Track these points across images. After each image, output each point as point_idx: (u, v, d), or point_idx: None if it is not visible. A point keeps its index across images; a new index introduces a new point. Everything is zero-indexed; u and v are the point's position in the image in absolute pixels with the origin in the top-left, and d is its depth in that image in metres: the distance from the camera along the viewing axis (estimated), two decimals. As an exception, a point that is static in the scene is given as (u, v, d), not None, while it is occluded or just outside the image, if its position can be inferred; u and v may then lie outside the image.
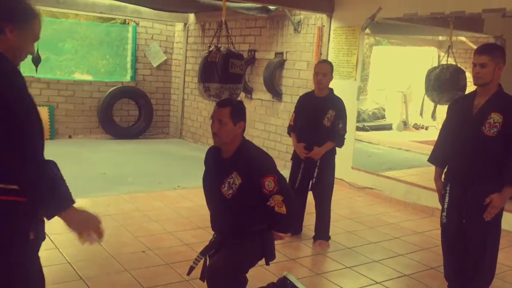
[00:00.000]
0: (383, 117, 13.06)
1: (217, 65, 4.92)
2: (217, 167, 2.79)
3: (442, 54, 10.09)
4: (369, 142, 10.45)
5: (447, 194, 3.27)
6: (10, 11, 1.80)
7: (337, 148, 4.49)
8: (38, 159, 1.77)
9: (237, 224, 2.74)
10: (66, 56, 9.52)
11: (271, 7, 6.97)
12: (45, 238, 2.01)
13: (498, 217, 3.13)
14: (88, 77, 9.51)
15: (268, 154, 2.85)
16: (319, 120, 4.26)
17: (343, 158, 6.32)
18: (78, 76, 9.55)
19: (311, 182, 4.40)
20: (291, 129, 4.53)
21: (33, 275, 1.96)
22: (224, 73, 4.91)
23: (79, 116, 9.18)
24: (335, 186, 6.27)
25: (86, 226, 1.90)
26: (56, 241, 3.99)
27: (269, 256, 2.83)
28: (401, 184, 5.94)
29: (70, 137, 9.05)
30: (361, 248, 4.36)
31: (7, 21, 1.78)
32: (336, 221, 5.08)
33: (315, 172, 4.32)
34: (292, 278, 3.15)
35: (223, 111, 2.66)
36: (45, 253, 3.74)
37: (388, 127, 12.53)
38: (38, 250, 1.98)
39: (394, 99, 12.98)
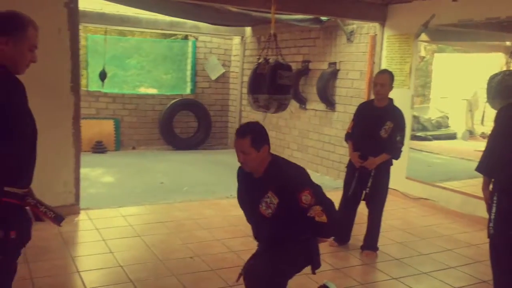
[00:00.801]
0: (447, 126, 12.62)
1: (266, 76, 5.02)
2: (251, 187, 2.81)
3: (509, 60, 9.69)
4: (430, 152, 10.15)
5: (494, 205, 3.16)
6: (1, 25, 1.97)
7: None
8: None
9: (280, 237, 2.77)
10: (132, 72, 10.00)
11: (323, 18, 7.00)
12: (30, 238, 2.14)
13: None
14: (153, 91, 9.95)
15: (299, 166, 2.84)
16: (376, 131, 4.22)
17: (396, 168, 6.19)
18: (143, 90, 10.02)
19: (364, 191, 4.38)
20: (348, 137, 4.52)
21: (8, 271, 2.10)
22: (272, 84, 5.00)
23: (142, 128, 9.61)
24: (388, 196, 6.19)
25: None
26: (112, 245, 4.24)
27: (315, 264, 2.85)
28: (457, 194, 5.74)
29: (133, 148, 9.49)
30: (410, 260, 4.27)
31: (1, 34, 1.94)
32: (387, 231, 5.01)
33: (369, 182, 4.28)
34: (332, 286, 3.16)
35: (243, 143, 2.65)
36: (101, 256, 4.02)
37: (452, 136, 12.08)
38: (20, 249, 2.11)
39: (459, 108, 12.52)
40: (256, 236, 2.96)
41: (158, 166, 7.91)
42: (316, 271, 2.88)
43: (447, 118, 12.76)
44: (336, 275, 3.88)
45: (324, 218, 2.63)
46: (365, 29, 6.83)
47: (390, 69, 6.38)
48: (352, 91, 6.99)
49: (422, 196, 6.07)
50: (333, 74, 7.27)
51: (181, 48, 10.20)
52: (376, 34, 6.63)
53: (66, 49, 4.75)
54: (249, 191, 2.83)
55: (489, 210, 3.23)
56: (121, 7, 8.02)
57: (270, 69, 5.04)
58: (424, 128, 12.31)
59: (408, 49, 6.18)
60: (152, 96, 9.75)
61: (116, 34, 9.86)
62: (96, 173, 7.05)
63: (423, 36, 7.18)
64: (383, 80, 4.26)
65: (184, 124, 9.93)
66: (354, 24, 6.99)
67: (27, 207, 2.07)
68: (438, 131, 12.36)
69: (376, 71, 6.58)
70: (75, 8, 4.78)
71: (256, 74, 5.13)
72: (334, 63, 7.30)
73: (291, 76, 5.16)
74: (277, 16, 6.66)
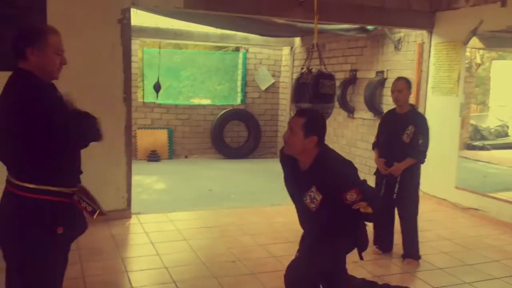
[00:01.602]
0: (506, 135, 12.13)
1: (308, 86, 5.11)
2: (296, 178, 2.81)
3: None
4: (488, 162, 9.81)
5: None
6: (26, 37, 2.16)
7: (439, 167, 4.41)
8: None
9: (325, 230, 2.78)
10: (186, 83, 10.38)
11: (369, 27, 7.01)
12: (81, 233, 2.35)
13: None
14: (207, 101, 10.27)
15: (347, 161, 2.78)
16: (399, 137, 4.26)
17: (444, 177, 6.13)
18: (197, 100, 10.36)
19: (393, 197, 4.37)
20: (375, 145, 4.59)
21: (56, 265, 2.28)
22: (314, 93, 5.08)
23: (194, 138, 9.92)
24: (437, 206, 6.10)
25: None
26: (159, 248, 4.46)
27: (361, 246, 2.86)
28: (510, 205, 5.56)
29: (186, 157, 9.81)
30: (453, 269, 4.20)
31: (26, 46, 2.13)
32: (432, 241, 4.95)
33: (396, 188, 4.28)
34: None
35: (297, 121, 2.67)
36: (148, 258, 4.24)
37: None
38: (70, 243, 2.32)
39: (519, 116, 12.02)
40: (302, 224, 3.00)
41: (208, 174, 8.14)
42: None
43: (507, 126, 12.27)
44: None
45: (369, 210, 2.64)
46: (413, 37, 6.77)
47: (437, 77, 6.35)
48: (400, 99, 6.93)
49: (472, 206, 5.91)
50: (381, 82, 7.24)
51: (232, 59, 10.48)
52: (423, 42, 6.56)
53: (119, 63, 5.06)
54: (294, 181, 2.84)
55: None
56: (175, 21, 8.37)
57: (312, 78, 5.12)
58: (483, 137, 11.88)
59: (456, 57, 6.08)
60: (204, 106, 10.06)
61: (171, 48, 10.28)
62: (149, 180, 7.37)
63: (477, 43, 7.04)
64: (399, 87, 4.32)
65: (234, 134, 10.16)
66: (401, 32, 6.95)
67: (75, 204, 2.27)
68: (497, 140, 11.91)
69: (424, 79, 6.54)
70: (127, 24, 5.09)
71: (299, 83, 5.23)
72: (382, 72, 7.27)
73: (333, 85, 5.21)
74: (322, 26, 6.75)
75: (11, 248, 2.19)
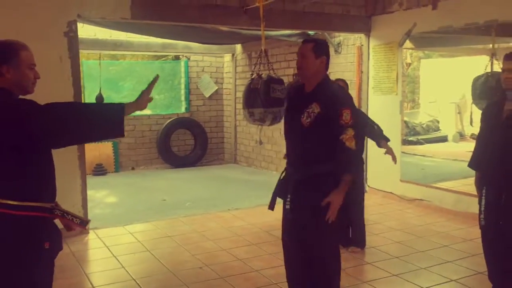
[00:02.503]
0: (438, 129, 12.90)
1: (259, 91, 5.24)
2: (299, 100, 3.01)
3: (495, 62, 10.00)
4: (423, 155, 10.39)
5: (483, 197, 3.38)
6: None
7: (384, 163, 4.67)
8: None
9: (310, 155, 2.90)
10: (126, 93, 10.22)
11: (310, 32, 7.27)
12: (62, 248, 2.31)
13: None
14: (147, 112, 10.15)
15: (348, 93, 3.09)
16: None
17: (391, 172, 6.46)
18: (138, 111, 10.20)
19: None
20: None
21: (45, 281, 2.26)
22: (266, 98, 5.20)
23: (140, 149, 9.80)
24: (384, 199, 6.41)
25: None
26: (123, 261, 4.42)
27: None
28: (451, 194, 5.97)
29: (133, 168, 9.66)
30: (408, 257, 4.47)
31: (0, 64, 2.11)
32: (385, 232, 5.22)
33: None
34: None
35: (306, 46, 2.90)
36: (114, 271, 4.19)
37: (443, 139, 12.35)
38: (54, 259, 2.28)
39: (448, 111, 12.81)
40: (289, 155, 3.11)
41: (159, 185, 8.09)
42: None
43: (437, 121, 13.04)
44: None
45: (352, 144, 2.79)
46: (352, 40, 7.11)
47: (377, 77, 6.69)
48: (343, 100, 7.24)
49: (417, 197, 6.29)
50: (324, 85, 7.51)
51: (172, 68, 10.45)
52: (362, 45, 6.91)
53: (68, 76, 4.98)
54: (296, 104, 3.01)
55: (479, 203, 3.44)
56: (114, 32, 8.26)
57: (263, 83, 5.25)
58: (416, 133, 12.55)
59: (394, 57, 6.46)
60: (148, 116, 9.96)
61: (109, 59, 10.10)
62: (99, 195, 7.22)
63: (408, 44, 7.47)
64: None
65: (181, 142, 10.13)
66: (341, 36, 7.27)
67: (56, 219, 2.25)
68: (429, 134, 12.63)
69: (364, 80, 6.87)
70: (75, 36, 5.01)
71: (250, 89, 5.31)
72: (324, 75, 7.55)
73: (283, 89, 5.36)
74: (266, 32, 6.93)
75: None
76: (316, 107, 2.84)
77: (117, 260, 4.45)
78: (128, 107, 2.27)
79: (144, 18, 5.43)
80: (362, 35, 6.87)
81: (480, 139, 3.55)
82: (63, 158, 4.90)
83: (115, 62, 10.44)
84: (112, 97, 9.81)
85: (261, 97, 5.23)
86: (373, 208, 6.12)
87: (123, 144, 9.61)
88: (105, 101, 9.09)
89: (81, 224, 2.29)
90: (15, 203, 2.09)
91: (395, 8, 6.35)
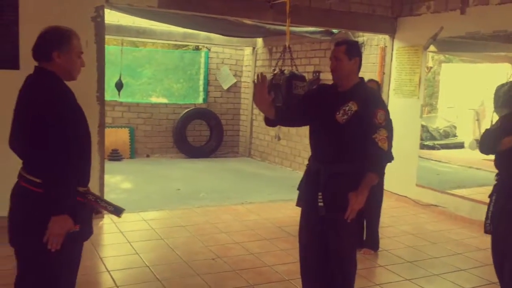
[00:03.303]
0: (454, 135, 12.79)
1: (281, 86, 5.24)
2: (333, 98, 2.98)
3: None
4: (439, 161, 10.32)
5: (492, 203, 3.37)
6: (53, 41, 2.25)
7: (400, 166, 4.63)
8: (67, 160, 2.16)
9: (343, 152, 2.92)
10: (144, 81, 10.27)
11: (334, 30, 7.23)
12: (93, 232, 2.39)
13: None
14: (164, 100, 10.20)
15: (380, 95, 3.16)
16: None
17: (406, 176, 6.43)
18: (154, 99, 10.27)
19: None
20: None
21: (73, 262, 2.36)
22: (287, 94, 5.22)
23: (156, 137, 9.85)
24: (398, 202, 6.39)
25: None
26: (137, 247, 4.46)
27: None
28: (467, 201, 5.92)
29: (148, 156, 9.72)
30: (422, 262, 4.46)
31: (53, 49, 2.23)
32: (398, 236, 5.21)
33: None
34: None
35: (339, 49, 2.92)
36: (128, 257, 4.23)
37: (459, 146, 12.24)
38: (84, 241, 2.36)
39: (466, 117, 12.69)
40: (316, 154, 3.07)
41: (173, 173, 8.13)
42: None
43: (455, 127, 12.93)
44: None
45: (385, 146, 2.82)
46: (375, 40, 7.06)
47: (399, 80, 6.65)
48: (363, 100, 7.21)
49: (432, 203, 6.25)
50: (344, 84, 7.48)
51: (192, 58, 10.48)
52: (386, 46, 6.86)
53: (93, 61, 5.02)
54: (328, 102, 2.97)
55: (488, 208, 3.43)
56: (137, 19, 8.29)
57: (285, 79, 5.26)
58: (432, 137, 12.46)
59: (417, 61, 6.40)
60: (166, 105, 10.00)
61: (129, 45, 10.14)
62: (115, 180, 7.28)
63: (431, 47, 7.42)
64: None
65: (197, 133, 10.16)
66: (364, 36, 7.22)
67: (88, 203, 2.31)
68: (446, 140, 12.53)
69: (386, 81, 6.82)
70: (101, 22, 5.05)
71: (272, 84, 5.35)
72: (345, 74, 7.51)
73: (305, 86, 5.37)
74: (290, 28, 6.91)
75: (27, 245, 2.20)
76: (354, 105, 2.86)
77: (131, 246, 4.50)
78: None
79: (170, 7, 5.44)
80: (387, 36, 6.81)
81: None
82: (83, 142, 4.99)
83: (136, 49, 10.49)
84: (130, 83, 9.87)
85: (282, 93, 5.29)
86: (387, 211, 6.07)
87: (139, 131, 9.67)
88: (124, 87, 9.16)
89: (115, 211, 2.36)
90: (39, 181, 2.16)
91: (422, 10, 6.28)
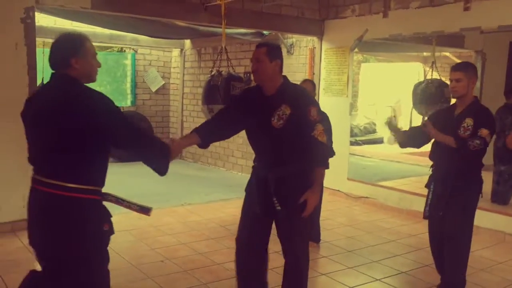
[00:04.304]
0: (374, 131, 13.53)
1: (219, 87, 5.32)
2: (262, 103, 2.97)
3: (427, 69, 10.61)
4: (362, 156, 10.87)
5: (431, 191, 3.67)
6: (69, 48, 2.31)
7: (332, 161, 4.86)
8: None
9: (286, 155, 2.95)
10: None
11: (265, 32, 7.42)
12: (114, 232, 2.45)
13: (466, 212, 3.50)
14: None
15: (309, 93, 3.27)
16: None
17: (338, 170, 6.74)
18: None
19: None
20: None
21: (106, 261, 2.46)
22: (226, 95, 5.30)
23: (83, 142, 9.51)
24: (332, 196, 6.68)
25: None
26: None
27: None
28: (395, 192, 6.34)
29: (74, 162, 9.36)
30: (361, 251, 4.73)
31: (71, 56, 2.29)
32: (336, 228, 5.47)
33: None
34: None
35: (260, 50, 2.93)
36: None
37: (379, 141, 12.97)
38: (108, 241, 2.43)
39: (384, 114, 13.47)
40: (260, 159, 3.09)
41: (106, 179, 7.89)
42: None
43: (374, 124, 13.68)
44: (298, 268, 4.24)
45: (324, 139, 2.92)
46: (304, 42, 7.34)
47: (328, 80, 6.95)
48: (294, 100, 7.45)
49: (363, 195, 6.62)
50: (275, 84, 7.69)
51: (116, 60, 10.24)
52: (314, 47, 7.15)
53: (23, 65, 4.80)
54: (259, 108, 2.97)
55: (427, 196, 3.72)
56: (58, 19, 7.98)
57: (223, 81, 5.35)
58: (354, 134, 13.09)
59: (345, 61, 6.75)
60: (92, 109, 9.68)
61: (47, 47, 9.70)
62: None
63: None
64: (305, 87, 4.65)
65: (126, 136, 9.93)
66: (294, 38, 7.48)
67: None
68: (367, 136, 13.24)
69: (316, 81, 7.11)
70: (32, 23, 4.84)
71: (210, 85, 5.42)
72: (276, 74, 7.72)
73: (243, 87, 5.49)
74: (220, 30, 6.99)
75: (59, 249, 2.25)
76: (287, 108, 2.88)
77: (75, 254, 4.36)
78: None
79: (103, 9, 5.32)
80: (315, 38, 7.11)
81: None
82: (15, 149, 4.76)
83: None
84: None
85: (221, 94, 5.36)
86: (323, 205, 6.28)
87: (65, 136, 9.30)
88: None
89: (142, 210, 2.50)
90: (73, 185, 2.24)
91: (348, 14, 6.63)
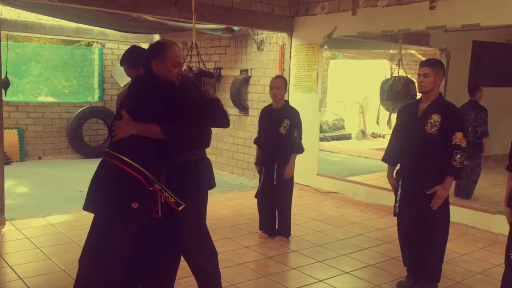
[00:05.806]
0: (343, 127, 13.70)
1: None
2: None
3: (393, 66, 10.83)
4: (331, 151, 11.02)
5: (399, 188, 3.74)
6: (151, 52, 2.77)
7: (302, 157, 4.96)
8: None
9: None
10: (30, 79, 9.64)
11: (235, 28, 7.42)
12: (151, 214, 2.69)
13: (444, 207, 3.61)
14: (51, 99, 9.63)
15: None
16: (276, 129, 4.73)
17: (308, 166, 6.82)
18: (42, 98, 9.67)
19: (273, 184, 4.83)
20: (256, 140, 5.06)
21: (128, 239, 2.65)
22: (197, 90, 5.28)
23: (49, 137, 9.32)
24: (301, 192, 6.75)
25: None
26: (48, 252, 4.27)
27: None
28: (363, 187, 6.46)
29: (40, 158, 9.17)
30: (330, 245, 4.81)
31: (151, 59, 2.72)
32: (305, 222, 5.54)
33: (274, 175, 4.76)
34: None
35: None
36: (41, 263, 4.08)
37: (347, 137, 13.16)
38: (140, 219, 2.64)
39: (352, 110, 13.67)
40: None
41: (72, 175, 7.78)
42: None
43: (343, 120, 13.85)
44: (268, 262, 4.27)
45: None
46: (274, 38, 7.37)
47: (298, 76, 7.01)
48: (264, 96, 7.48)
49: (332, 190, 6.71)
50: (245, 80, 7.72)
51: (83, 55, 10.05)
52: (284, 44, 7.19)
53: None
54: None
55: (395, 193, 3.80)
56: (22, 12, 7.79)
57: (194, 76, 5.31)
58: (322, 130, 13.24)
59: (314, 58, 6.81)
60: (58, 104, 9.50)
61: (12, 40, 9.44)
62: (7, 184, 6.72)
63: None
64: (278, 84, 4.80)
65: (93, 132, 9.79)
66: (264, 34, 7.50)
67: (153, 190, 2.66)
68: (335, 132, 13.39)
69: (286, 77, 7.15)
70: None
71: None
72: (246, 70, 7.75)
73: (214, 83, 5.48)
74: (190, 25, 6.95)
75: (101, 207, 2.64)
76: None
77: (42, 251, 4.28)
78: None
79: (72, 2, 5.22)
80: (285, 34, 7.15)
81: (394, 136, 3.91)
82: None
83: (19, 44, 9.79)
84: (14, 82, 9.19)
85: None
86: (293, 200, 6.41)
87: (29, 132, 9.09)
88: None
89: (175, 204, 2.67)
90: (129, 161, 2.60)
91: (317, 11, 6.69)
